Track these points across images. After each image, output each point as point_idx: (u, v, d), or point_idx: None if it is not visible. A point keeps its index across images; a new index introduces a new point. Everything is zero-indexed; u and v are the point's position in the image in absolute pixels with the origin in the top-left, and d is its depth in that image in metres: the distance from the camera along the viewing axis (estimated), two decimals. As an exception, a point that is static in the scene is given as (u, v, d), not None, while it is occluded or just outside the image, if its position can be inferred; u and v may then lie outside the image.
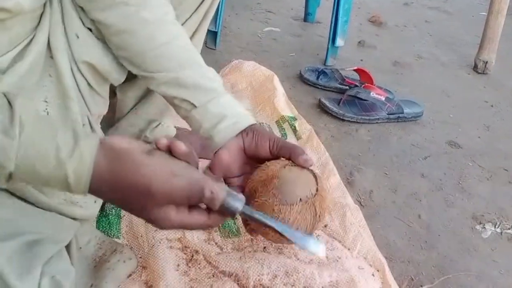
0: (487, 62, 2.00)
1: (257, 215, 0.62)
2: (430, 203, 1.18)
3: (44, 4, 0.69)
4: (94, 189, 0.53)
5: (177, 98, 0.77)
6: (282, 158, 0.74)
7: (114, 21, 0.71)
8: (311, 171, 0.72)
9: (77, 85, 0.73)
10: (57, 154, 0.51)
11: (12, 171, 0.50)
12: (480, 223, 1.13)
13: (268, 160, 0.74)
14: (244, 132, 0.76)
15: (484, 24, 2.01)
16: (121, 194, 0.54)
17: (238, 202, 0.59)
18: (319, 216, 0.69)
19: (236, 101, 0.79)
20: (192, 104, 0.76)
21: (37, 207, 0.68)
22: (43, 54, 0.68)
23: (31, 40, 0.66)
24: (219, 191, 0.57)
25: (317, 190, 0.69)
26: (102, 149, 0.53)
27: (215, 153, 0.76)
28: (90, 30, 0.73)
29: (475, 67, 2.04)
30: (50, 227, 0.65)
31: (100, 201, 0.83)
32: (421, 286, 0.94)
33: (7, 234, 0.57)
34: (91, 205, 0.80)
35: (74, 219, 0.76)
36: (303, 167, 0.71)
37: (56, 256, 0.64)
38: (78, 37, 0.70)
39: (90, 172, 0.52)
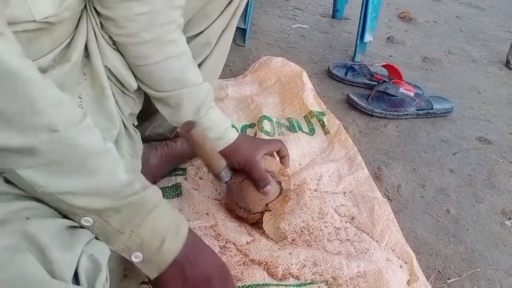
0: (519, 58, 1.97)
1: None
2: (459, 198, 1.18)
3: (82, 9, 0.73)
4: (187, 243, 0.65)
5: (166, 116, 0.89)
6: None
7: (117, 32, 0.75)
8: None
9: (110, 85, 0.77)
10: (173, 210, 0.66)
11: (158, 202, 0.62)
12: (510, 219, 1.12)
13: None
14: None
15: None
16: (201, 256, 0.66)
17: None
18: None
19: (222, 119, 0.92)
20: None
21: None
22: (81, 55, 0.72)
23: (70, 42, 0.70)
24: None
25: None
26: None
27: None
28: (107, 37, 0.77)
29: (507, 63, 2.01)
30: None
31: None
32: (449, 279, 0.95)
33: (50, 215, 0.60)
34: None
35: None
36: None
37: (93, 240, 0.67)
38: (97, 40, 0.74)
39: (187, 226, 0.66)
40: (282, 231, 0.94)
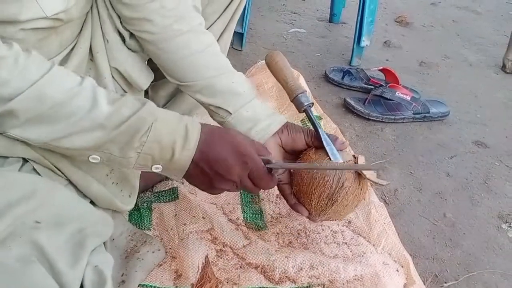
0: (515, 62, 1.98)
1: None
2: (456, 202, 1.18)
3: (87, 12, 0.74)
4: (200, 140, 0.67)
5: (212, 105, 0.83)
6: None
7: (152, 31, 0.77)
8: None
9: (115, 86, 0.77)
10: (175, 113, 0.68)
11: (155, 118, 0.64)
12: (506, 222, 1.13)
13: (305, 150, 0.85)
14: (279, 130, 0.84)
15: (513, 24, 1.99)
16: (216, 143, 0.69)
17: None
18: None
19: (265, 105, 0.87)
20: (227, 111, 0.83)
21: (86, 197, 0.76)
22: (86, 56, 0.72)
23: (75, 44, 0.71)
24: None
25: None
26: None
27: None
28: (122, 37, 0.77)
29: (503, 67, 2.02)
30: (94, 221, 0.69)
31: (134, 197, 0.87)
32: (445, 282, 0.95)
33: (56, 222, 0.60)
34: (127, 199, 0.84)
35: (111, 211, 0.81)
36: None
37: (98, 248, 0.68)
38: (107, 42, 0.75)
39: (199, 124, 0.68)
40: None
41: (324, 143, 0.83)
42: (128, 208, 0.85)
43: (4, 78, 0.56)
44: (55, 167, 0.70)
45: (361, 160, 0.84)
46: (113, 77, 0.78)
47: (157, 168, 0.67)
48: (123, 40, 0.78)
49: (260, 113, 0.84)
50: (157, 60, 0.82)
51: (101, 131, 0.62)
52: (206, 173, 0.69)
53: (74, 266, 0.58)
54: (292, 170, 0.86)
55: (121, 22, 0.76)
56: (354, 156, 0.86)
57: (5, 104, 0.57)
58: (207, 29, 0.93)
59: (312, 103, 0.88)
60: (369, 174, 0.82)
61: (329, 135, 0.85)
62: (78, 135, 0.61)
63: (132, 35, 0.78)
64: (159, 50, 0.80)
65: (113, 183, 0.81)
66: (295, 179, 0.85)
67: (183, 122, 0.67)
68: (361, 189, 0.84)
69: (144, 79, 0.83)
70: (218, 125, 0.77)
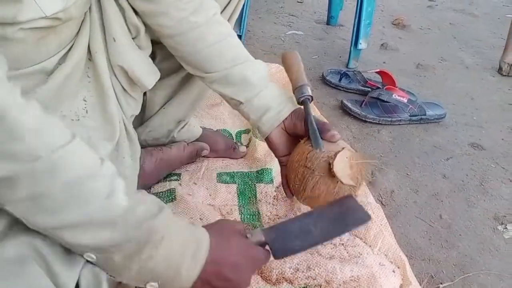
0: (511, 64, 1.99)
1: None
2: (452, 204, 1.19)
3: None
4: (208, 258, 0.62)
5: (226, 95, 0.87)
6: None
7: (168, 24, 0.78)
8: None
9: (113, 86, 0.78)
10: (187, 225, 0.63)
11: (169, 231, 0.59)
12: (502, 224, 1.13)
13: (304, 136, 0.86)
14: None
15: (509, 26, 2.00)
16: (223, 260, 0.64)
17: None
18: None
19: (279, 90, 0.89)
20: (239, 101, 0.87)
21: None
22: (84, 56, 0.73)
23: (73, 44, 0.71)
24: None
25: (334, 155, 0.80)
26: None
27: (266, 138, 0.90)
28: (134, 38, 0.78)
29: (499, 70, 2.03)
30: None
31: None
32: (441, 283, 0.95)
33: None
34: None
35: None
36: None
37: None
38: (115, 40, 0.75)
39: (208, 239, 0.63)
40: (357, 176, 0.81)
41: (310, 131, 0.83)
42: None
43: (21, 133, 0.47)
44: None
45: (345, 153, 0.81)
46: (115, 75, 0.78)
47: (151, 286, 0.59)
48: (132, 38, 0.79)
49: (271, 101, 0.87)
50: (174, 52, 0.85)
51: (112, 231, 0.54)
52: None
53: (70, 267, 0.58)
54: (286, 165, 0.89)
55: (125, 19, 0.76)
56: (338, 151, 0.81)
57: (11, 164, 0.47)
58: None
59: (312, 97, 0.89)
60: (339, 168, 0.79)
61: (322, 124, 0.85)
62: (85, 229, 0.52)
63: (140, 32, 0.79)
64: (177, 44, 0.82)
65: None
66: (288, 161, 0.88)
67: (194, 239, 0.62)
68: (334, 186, 0.81)
69: (151, 78, 0.84)
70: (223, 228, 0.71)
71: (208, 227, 0.66)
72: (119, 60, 0.76)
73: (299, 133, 0.87)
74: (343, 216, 0.79)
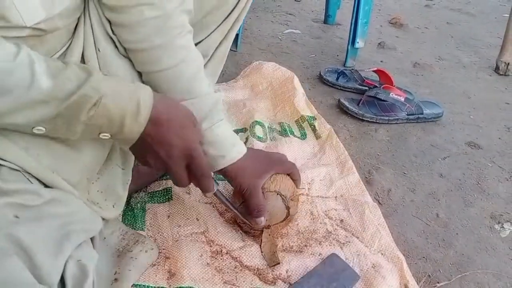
0: (508, 63, 1.99)
1: (222, 198, 0.87)
2: (449, 203, 1.19)
3: (79, 18, 0.73)
4: (153, 112, 0.67)
5: None
6: None
7: (130, 39, 0.76)
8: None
9: None
10: (129, 84, 0.66)
11: (101, 96, 0.62)
12: (499, 223, 1.13)
13: None
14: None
15: (506, 26, 2.00)
16: (168, 111, 0.69)
17: (215, 185, 0.82)
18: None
19: (221, 135, 0.87)
20: None
21: None
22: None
23: (65, 52, 0.70)
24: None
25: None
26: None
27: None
28: (114, 44, 0.77)
29: (496, 69, 2.03)
30: (81, 216, 0.69)
31: (119, 206, 0.86)
32: (438, 283, 0.95)
33: (36, 217, 0.60)
34: (111, 209, 0.83)
35: None
36: None
37: (83, 243, 0.67)
38: (99, 51, 0.74)
39: (152, 93, 0.68)
40: (277, 256, 0.90)
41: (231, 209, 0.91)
42: (111, 217, 0.84)
43: None
44: (33, 174, 0.67)
45: (265, 235, 0.94)
46: None
47: (104, 136, 0.66)
48: (115, 46, 0.77)
49: (209, 147, 0.86)
50: (136, 64, 0.81)
51: (44, 108, 0.59)
52: (147, 148, 0.71)
53: (54, 259, 0.57)
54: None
55: (105, 28, 0.75)
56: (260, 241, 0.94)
57: None
58: (205, 37, 0.91)
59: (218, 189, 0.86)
60: (266, 249, 0.93)
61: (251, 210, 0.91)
62: (19, 111, 0.58)
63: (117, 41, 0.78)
64: (135, 59, 0.79)
65: (97, 191, 0.80)
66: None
67: (135, 97, 0.65)
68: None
69: None
70: (173, 99, 0.76)
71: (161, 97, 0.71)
72: (105, 70, 0.75)
73: None
74: (338, 276, 0.88)
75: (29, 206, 0.60)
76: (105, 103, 0.62)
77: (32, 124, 0.60)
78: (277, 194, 0.93)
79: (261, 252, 0.91)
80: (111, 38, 0.75)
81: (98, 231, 0.75)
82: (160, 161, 0.73)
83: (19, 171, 0.65)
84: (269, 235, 0.93)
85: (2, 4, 0.57)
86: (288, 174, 0.98)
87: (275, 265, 0.88)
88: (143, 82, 0.82)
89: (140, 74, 0.82)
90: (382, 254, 0.96)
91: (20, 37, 0.61)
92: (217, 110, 0.86)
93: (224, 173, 0.89)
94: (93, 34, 0.74)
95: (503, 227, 1.12)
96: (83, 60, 0.73)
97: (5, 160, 0.64)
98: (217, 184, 0.84)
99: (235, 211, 0.91)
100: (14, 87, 0.56)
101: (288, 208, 0.95)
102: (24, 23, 0.59)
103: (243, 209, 0.92)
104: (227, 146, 0.87)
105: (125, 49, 0.78)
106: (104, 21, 0.74)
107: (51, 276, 0.56)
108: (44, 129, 0.62)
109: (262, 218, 0.90)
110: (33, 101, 0.57)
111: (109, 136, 0.66)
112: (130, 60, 0.79)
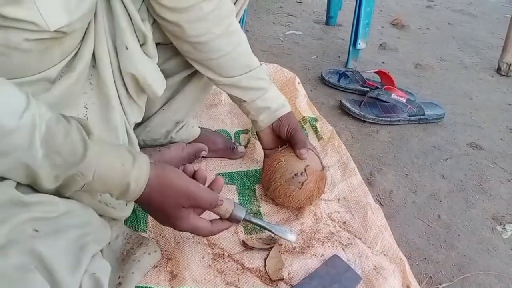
0: (510, 64, 1.99)
1: (254, 220, 0.88)
2: (450, 204, 1.19)
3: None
4: (144, 193, 0.69)
5: (233, 96, 1.02)
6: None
7: (192, 34, 0.83)
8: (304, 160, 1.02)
9: (118, 94, 0.77)
10: (123, 167, 0.65)
11: (89, 181, 0.62)
12: (501, 224, 1.13)
13: (285, 142, 1.06)
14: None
15: (508, 26, 2.00)
16: (160, 195, 0.71)
17: (242, 211, 0.84)
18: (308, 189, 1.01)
19: (277, 92, 1.04)
20: (245, 101, 1.01)
21: None
22: (88, 64, 0.73)
23: (77, 52, 0.71)
24: (228, 202, 0.82)
25: (302, 173, 1.00)
26: (152, 163, 0.70)
27: (257, 132, 1.09)
28: (141, 45, 0.78)
29: (498, 70, 2.03)
30: (94, 227, 0.69)
31: (131, 204, 0.87)
32: (440, 284, 0.95)
33: (55, 230, 0.61)
34: (124, 207, 0.84)
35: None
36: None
37: (96, 255, 0.68)
38: (127, 48, 0.75)
39: (147, 178, 0.68)
40: (281, 273, 0.89)
41: (273, 231, 0.91)
42: (125, 216, 0.86)
43: None
44: None
45: (275, 250, 0.94)
46: (123, 83, 0.78)
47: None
48: (139, 45, 0.80)
49: (270, 103, 1.02)
50: (187, 54, 0.91)
51: (34, 172, 0.58)
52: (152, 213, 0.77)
53: (73, 274, 0.58)
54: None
55: (134, 26, 0.77)
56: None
57: None
58: None
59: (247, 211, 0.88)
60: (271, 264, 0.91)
61: (295, 142, 1.02)
62: (8, 172, 0.57)
63: (148, 39, 0.79)
64: (195, 50, 0.88)
65: None
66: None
67: (125, 182, 0.66)
68: (290, 192, 1.01)
69: (160, 85, 0.85)
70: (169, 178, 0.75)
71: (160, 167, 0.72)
72: (131, 68, 0.76)
73: (281, 137, 1.05)
74: (339, 278, 0.89)
75: (47, 218, 0.60)
76: (93, 187, 0.64)
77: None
78: (313, 151, 1.05)
79: (265, 265, 0.90)
80: (137, 36, 0.78)
81: (108, 241, 0.75)
82: (171, 224, 0.77)
83: None
84: (279, 252, 0.93)
85: (32, 13, 0.58)
86: None
87: (277, 280, 0.88)
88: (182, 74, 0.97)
89: (161, 74, 0.87)
90: (384, 255, 0.96)
91: (42, 39, 0.61)
92: (267, 74, 1.04)
93: (277, 123, 1.04)
94: (111, 34, 0.75)
95: (505, 228, 1.12)
96: (93, 59, 0.74)
97: None
98: (244, 207, 0.86)
99: (268, 228, 0.91)
100: (11, 149, 0.55)
101: (321, 161, 1.06)
102: (48, 28, 0.60)
103: (288, 151, 1.03)
104: (283, 98, 1.05)
105: (156, 49, 0.83)
106: (133, 20, 0.76)
107: None
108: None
109: (305, 150, 1.00)
110: (26, 166, 0.57)
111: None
112: (154, 61, 0.84)
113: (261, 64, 1.00)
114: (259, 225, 0.90)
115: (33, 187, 0.61)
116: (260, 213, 1.04)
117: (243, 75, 0.96)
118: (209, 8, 0.81)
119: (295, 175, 1.00)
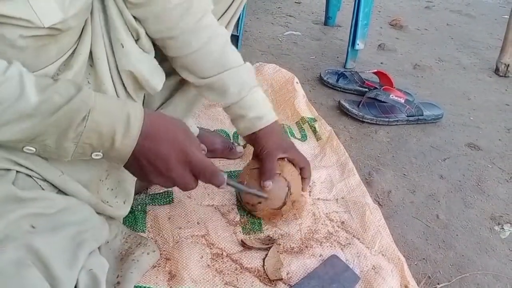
0: (508, 65, 1.99)
1: (232, 182, 0.84)
2: (449, 204, 1.19)
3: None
4: (142, 131, 0.66)
5: (211, 100, 0.97)
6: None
7: (159, 29, 0.80)
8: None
9: (116, 92, 0.78)
10: (118, 99, 0.67)
11: (92, 107, 0.61)
12: (499, 224, 1.14)
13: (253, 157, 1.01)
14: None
15: (506, 27, 2.01)
16: (158, 129, 0.68)
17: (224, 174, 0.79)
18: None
19: (258, 102, 0.94)
20: (222, 105, 0.95)
21: None
22: (85, 63, 0.73)
23: (74, 51, 0.71)
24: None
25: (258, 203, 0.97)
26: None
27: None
28: (136, 41, 0.78)
29: (496, 70, 2.04)
30: (92, 224, 0.69)
31: (128, 203, 0.87)
32: (438, 284, 0.95)
33: (52, 227, 0.61)
34: (121, 206, 0.84)
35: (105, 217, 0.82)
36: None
37: (94, 252, 0.68)
38: (123, 46, 0.75)
39: (142, 110, 0.67)
40: (280, 273, 0.89)
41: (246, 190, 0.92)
42: (122, 214, 0.86)
43: None
44: (43, 177, 0.68)
45: (273, 250, 0.93)
46: (121, 81, 0.78)
47: (97, 155, 0.65)
48: (134, 41, 0.79)
49: (248, 111, 0.93)
50: (165, 52, 0.87)
51: (30, 122, 0.58)
52: (145, 166, 0.69)
53: (70, 270, 0.58)
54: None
55: (126, 23, 0.76)
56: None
57: None
58: None
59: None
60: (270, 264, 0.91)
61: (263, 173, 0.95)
62: (5, 126, 0.57)
63: (141, 34, 0.79)
64: (166, 46, 0.84)
65: (107, 188, 0.81)
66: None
67: (125, 111, 0.65)
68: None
69: (158, 80, 0.84)
70: (163, 114, 0.75)
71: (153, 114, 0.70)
72: (128, 65, 0.76)
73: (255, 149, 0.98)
74: (338, 278, 0.89)
75: (45, 214, 0.60)
76: (94, 117, 0.62)
77: (20, 144, 0.60)
78: (285, 180, 0.96)
79: (263, 265, 0.90)
80: (131, 32, 0.77)
81: (106, 238, 0.75)
82: (163, 177, 0.72)
83: (31, 177, 0.66)
84: (277, 251, 0.93)
85: (25, 9, 0.58)
86: (301, 170, 1.01)
87: (276, 279, 0.88)
88: (168, 70, 0.88)
89: (160, 68, 0.85)
90: (382, 255, 0.96)
91: (37, 35, 0.61)
92: (251, 77, 0.94)
93: (254, 136, 0.95)
94: (108, 32, 0.75)
95: (503, 228, 1.12)
96: (91, 58, 0.74)
97: (20, 165, 0.65)
98: (223, 172, 0.83)
99: (246, 189, 0.92)
100: (2, 99, 0.55)
101: (285, 200, 0.97)
102: (43, 24, 0.60)
103: (255, 175, 0.96)
104: (265, 109, 0.95)
105: (151, 43, 0.81)
106: (124, 16, 0.76)
107: (66, 287, 0.56)
108: (34, 149, 0.61)
109: (270, 182, 0.93)
110: (20, 115, 0.57)
111: (102, 155, 0.65)
112: (151, 55, 0.82)
113: (244, 63, 0.93)
114: (237, 187, 0.89)
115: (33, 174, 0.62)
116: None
117: (217, 75, 0.89)
118: (175, 1, 0.78)
119: (253, 200, 0.97)
